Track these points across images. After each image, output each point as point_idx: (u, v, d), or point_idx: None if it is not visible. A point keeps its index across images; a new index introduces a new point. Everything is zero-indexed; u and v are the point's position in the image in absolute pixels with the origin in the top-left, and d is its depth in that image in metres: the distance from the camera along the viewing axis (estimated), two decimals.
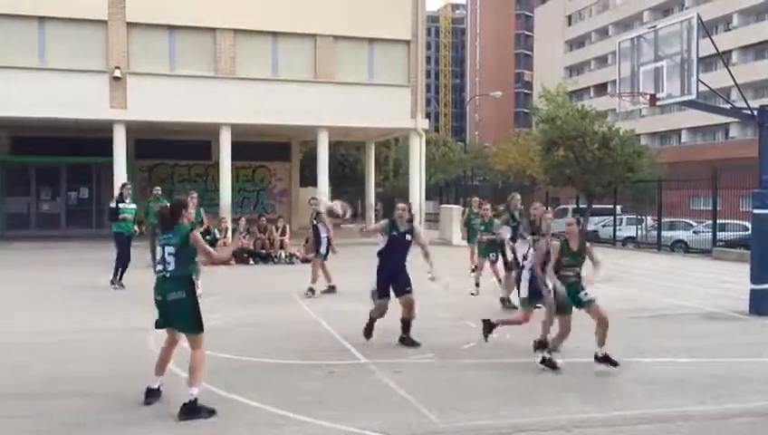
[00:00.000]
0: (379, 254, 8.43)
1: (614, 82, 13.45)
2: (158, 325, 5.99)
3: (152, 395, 5.88)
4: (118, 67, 23.07)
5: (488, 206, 13.45)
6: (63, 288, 13.19)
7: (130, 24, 23.37)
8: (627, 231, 27.56)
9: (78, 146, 26.33)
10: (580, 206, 28.81)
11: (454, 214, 26.56)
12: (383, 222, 8.59)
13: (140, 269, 15.86)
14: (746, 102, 11.88)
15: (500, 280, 11.99)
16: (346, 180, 37.86)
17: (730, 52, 56.64)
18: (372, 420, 5.46)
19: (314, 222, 12.78)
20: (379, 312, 8.22)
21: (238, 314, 10.34)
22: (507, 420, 5.48)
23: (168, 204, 6.43)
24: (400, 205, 8.39)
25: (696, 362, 7.51)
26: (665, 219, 25.34)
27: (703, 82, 10.81)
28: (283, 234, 19.13)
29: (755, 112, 11.10)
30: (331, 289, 12.43)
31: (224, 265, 15.62)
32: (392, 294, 8.24)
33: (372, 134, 30.32)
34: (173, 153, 29.12)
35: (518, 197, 11.31)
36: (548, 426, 5.38)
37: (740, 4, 59.77)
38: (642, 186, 27.45)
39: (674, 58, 11.05)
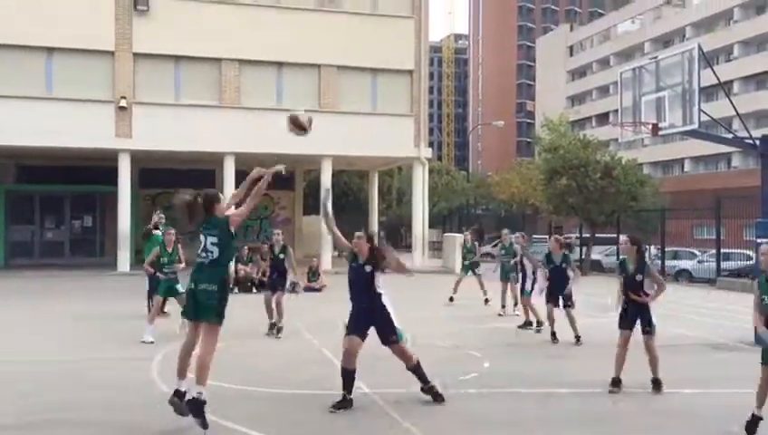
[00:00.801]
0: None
1: (616, 111, 13.53)
2: (185, 314, 6.21)
3: (178, 395, 5.93)
4: (123, 97, 23.30)
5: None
6: (66, 317, 13.15)
7: (137, 55, 23.65)
8: None
9: (82, 175, 26.48)
10: (584, 235, 28.78)
11: (457, 242, 26.53)
12: (348, 248, 7.20)
13: (140, 299, 15.84)
14: (748, 132, 11.94)
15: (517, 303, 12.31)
16: (349, 209, 37.91)
17: (731, 82, 57.01)
18: None
19: (281, 255, 11.48)
20: (345, 356, 6.72)
21: (239, 342, 10.29)
22: None
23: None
24: (357, 233, 6.92)
25: (703, 394, 7.44)
26: (668, 248, 25.29)
27: (705, 112, 10.88)
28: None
29: (758, 142, 11.15)
30: (274, 328, 11.16)
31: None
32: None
33: (376, 163, 30.45)
34: (177, 182, 28.99)
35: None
36: None
37: (740, 35, 60.32)
38: (645, 215, 27.43)
39: (675, 88, 11.14)
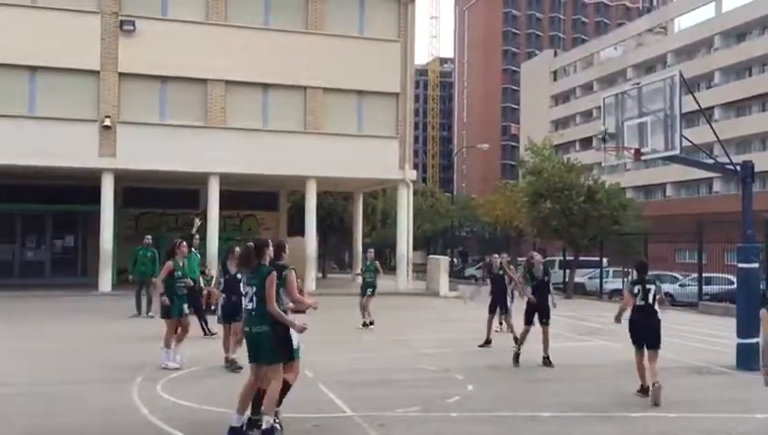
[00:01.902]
0: None
1: (599, 136, 13.66)
2: (250, 359, 6.31)
3: (235, 433, 6.07)
4: (108, 116, 23.21)
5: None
6: (45, 338, 12.97)
7: (122, 75, 23.61)
8: (613, 284, 27.62)
9: (64, 194, 26.25)
10: (567, 258, 28.90)
11: (441, 265, 26.55)
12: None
13: (121, 320, 15.71)
14: (729, 158, 12.10)
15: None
16: (334, 230, 37.84)
17: (712, 108, 57.86)
18: None
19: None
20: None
21: (222, 363, 10.19)
22: None
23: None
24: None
25: (686, 417, 7.45)
26: (651, 272, 25.42)
27: (686, 138, 11.01)
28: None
29: (738, 168, 11.29)
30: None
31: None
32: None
33: (360, 184, 30.49)
34: (161, 202, 29.08)
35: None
36: None
37: (721, 62, 61.34)
38: (628, 239, 27.63)
39: (657, 114, 11.26)
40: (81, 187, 25.03)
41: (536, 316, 10.69)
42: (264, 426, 5.92)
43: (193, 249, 13.10)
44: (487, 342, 12.26)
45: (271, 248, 6.43)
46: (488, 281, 13.33)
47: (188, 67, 23.91)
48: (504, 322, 13.12)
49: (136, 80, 23.75)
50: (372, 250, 16.44)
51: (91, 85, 23.42)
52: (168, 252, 10.37)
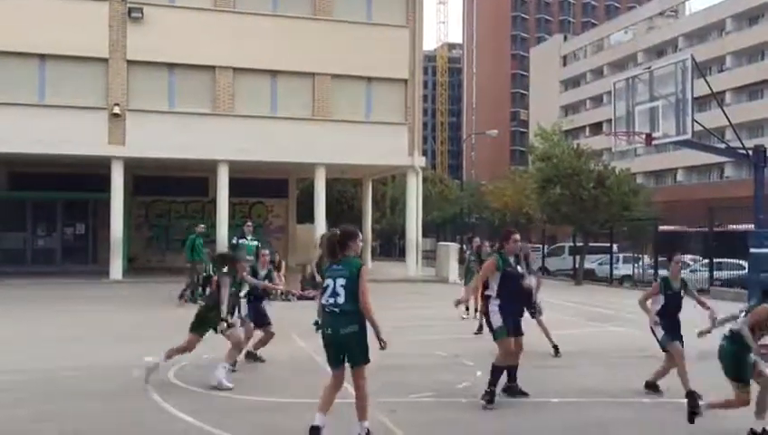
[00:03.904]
0: None
1: (609, 121, 13.58)
2: (332, 365, 5.69)
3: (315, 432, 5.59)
4: (117, 104, 23.25)
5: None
6: (58, 325, 13.07)
7: (130, 62, 23.62)
8: (624, 269, 27.54)
9: (75, 182, 26.38)
10: (577, 244, 28.81)
11: (450, 251, 26.53)
12: None
13: (133, 307, 15.83)
14: (741, 142, 12.01)
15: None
16: (343, 217, 37.84)
17: (724, 92, 57.36)
18: None
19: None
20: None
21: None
22: None
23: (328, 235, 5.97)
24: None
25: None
26: (661, 258, 25.34)
27: (698, 122, 10.94)
28: (278, 269, 19.00)
29: (750, 152, 11.20)
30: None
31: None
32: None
33: (369, 171, 30.46)
34: (170, 190, 29.17)
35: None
36: None
37: (733, 45, 60.75)
38: (638, 224, 27.49)
39: (669, 98, 11.19)
40: (91, 175, 25.14)
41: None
42: (361, 432, 5.62)
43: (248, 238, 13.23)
44: (480, 328, 12.11)
45: (360, 239, 5.80)
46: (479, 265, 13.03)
47: (196, 54, 23.89)
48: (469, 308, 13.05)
49: (144, 67, 23.76)
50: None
51: (99, 73, 23.45)
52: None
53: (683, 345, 7.58)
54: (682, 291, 7.68)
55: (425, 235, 32.37)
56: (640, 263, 26.68)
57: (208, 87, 24.41)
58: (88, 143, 22.74)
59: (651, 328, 7.66)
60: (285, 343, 11.19)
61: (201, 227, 17.29)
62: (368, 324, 5.53)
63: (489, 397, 7.03)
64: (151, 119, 23.49)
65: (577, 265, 27.55)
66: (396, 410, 6.88)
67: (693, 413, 6.27)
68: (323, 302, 5.59)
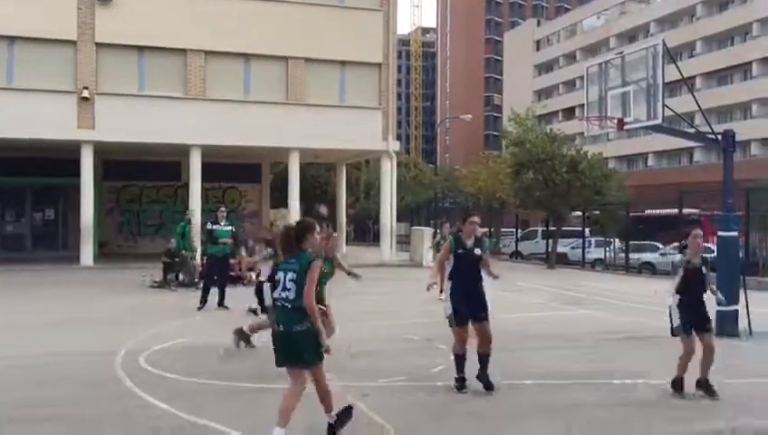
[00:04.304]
0: None
1: (582, 106, 13.65)
2: (279, 363, 5.36)
3: None
4: (86, 87, 22.86)
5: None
6: (26, 311, 12.88)
7: (99, 45, 23.21)
8: (595, 253, 27.87)
9: (44, 167, 25.92)
10: (550, 228, 29.07)
11: (425, 236, 26.61)
12: None
13: (105, 293, 15.67)
14: (710, 127, 12.15)
15: None
16: (316, 202, 37.77)
17: (694, 77, 58.00)
18: None
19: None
20: None
21: (208, 337, 10.20)
22: None
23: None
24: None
25: (666, 384, 7.56)
26: (632, 242, 25.70)
27: (668, 107, 11.03)
28: (252, 255, 18.94)
29: (719, 137, 11.34)
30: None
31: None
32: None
33: (343, 156, 30.37)
34: (141, 174, 28.83)
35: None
36: None
37: (703, 31, 61.40)
38: (610, 208, 27.80)
39: (640, 83, 11.26)
40: (60, 159, 24.71)
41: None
42: (331, 420, 5.48)
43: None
44: None
45: (317, 232, 5.46)
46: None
47: (167, 37, 23.55)
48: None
49: (113, 50, 23.37)
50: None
51: (68, 56, 23.02)
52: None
53: (705, 328, 7.06)
54: (704, 268, 7.22)
55: (399, 219, 32.40)
56: (612, 247, 27.01)
57: (180, 70, 24.08)
58: (57, 127, 22.35)
59: (669, 310, 7.19)
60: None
61: (189, 213, 17.02)
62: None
63: (458, 383, 7.04)
64: (121, 102, 23.14)
65: (550, 250, 27.80)
66: (368, 394, 6.90)
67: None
68: (274, 296, 5.36)
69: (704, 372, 7.05)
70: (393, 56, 27.00)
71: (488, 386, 7.02)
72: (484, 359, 7.09)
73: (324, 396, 5.44)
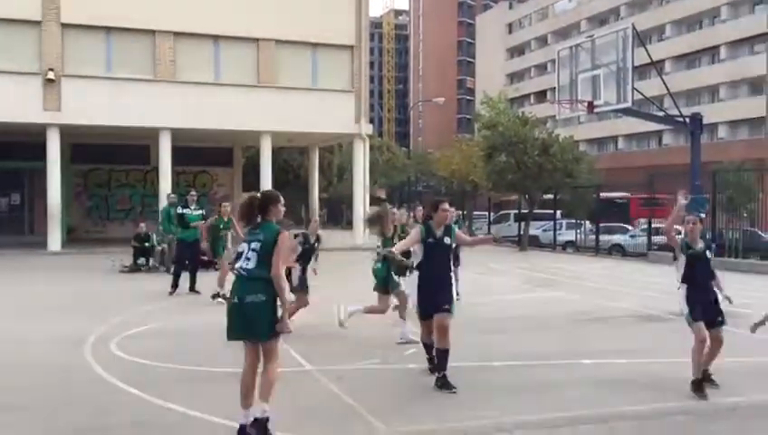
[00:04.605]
0: None
1: (554, 89, 13.74)
2: (229, 336, 5.15)
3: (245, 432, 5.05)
4: (51, 69, 22.39)
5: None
6: None
7: (65, 26, 22.73)
8: (567, 235, 28.15)
9: (9, 150, 25.40)
10: (522, 211, 29.28)
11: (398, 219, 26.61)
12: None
13: (72, 278, 15.47)
14: (679, 110, 12.32)
15: None
16: (290, 186, 37.56)
17: (663, 61, 58.57)
18: (317, 427, 5.40)
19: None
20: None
21: (179, 322, 10.13)
22: (451, 425, 5.49)
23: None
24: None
25: (634, 363, 7.69)
26: (602, 224, 26.01)
27: (638, 91, 11.15)
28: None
29: (687, 120, 11.49)
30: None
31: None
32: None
33: (316, 139, 30.21)
34: (110, 158, 28.41)
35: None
36: (491, 428, 5.42)
37: (673, 14, 61.93)
38: (581, 191, 28.08)
39: (610, 66, 11.37)
40: (26, 143, 24.25)
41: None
42: (259, 414, 5.04)
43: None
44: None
45: (281, 203, 5.26)
46: None
47: (134, 18, 23.13)
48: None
49: (79, 31, 22.92)
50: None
51: (32, 37, 22.52)
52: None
53: (715, 320, 6.52)
54: (708, 252, 6.69)
55: (372, 203, 32.41)
56: (582, 229, 27.31)
57: (148, 52, 23.69)
58: (22, 110, 21.90)
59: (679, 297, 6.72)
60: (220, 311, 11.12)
61: (172, 197, 16.57)
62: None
63: (430, 365, 6.95)
64: (88, 85, 22.72)
65: (522, 232, 28.02)
66: (342, 377, 6.91)
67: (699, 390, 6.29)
68: (236, 267, 5.16)
69: (705, 362, 6.57)
70: (365, 39, 26.85)
71: (448, 386, 6.43)
72: (442, 356, 6.54)
73: (267, 383, 5.06)
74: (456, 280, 12.13)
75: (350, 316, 8.86)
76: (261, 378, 5.10)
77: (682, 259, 6.65)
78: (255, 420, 5.02)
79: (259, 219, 5.19)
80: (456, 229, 7.06)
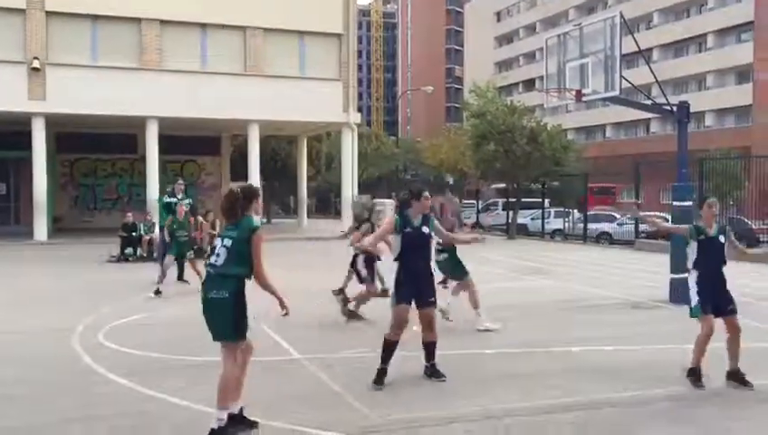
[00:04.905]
0: None
1: (542, 77, 13.73)
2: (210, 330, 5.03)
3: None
4: (36, 58, 22.17)
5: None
6: None
7: (50, 13, 22.50)
8: (555, 224, 28.29)
9: None
10: (510, 199, 29.36)
11: (386, 209, 26.62)
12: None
13: (59, 268, 15.39)
14: (666, 99, 12.34)
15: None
16: (278, 175, 37.47)
17: (651, 49, 58.69)
18: (305, 415, 5.41)
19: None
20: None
21: (168, 311, 10.10)
22: (440, 412, 5.52)
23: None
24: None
25: (621, 350, 7.75)
26: (590, 212, 26.14)
27: (625, 79, 11.15)
28: (212, 228, 18.75)
29: (674, 108, 11.53)
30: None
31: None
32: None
33: (304, 128, 30.11)
34: (96, 147, 28.21)
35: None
36: (480, 415, 5.45)
37: (660, 3, 61.99)
38: (569, 179, 28.20)
39: (598, 55, 11.35)
40: (11, 132, 24.03)
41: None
42: (215, 425, 4.78)
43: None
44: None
45: (260, 199, 5.12)
46: None
47: (120, 5, 22.94)
48: None
49: (64, 19, 22.69)
50: None
51: (16, 25, 22.27)
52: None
53: (727, 309, 6.21)
54: (722, 237, 6.36)
55: (361, 192, 32.39)
56: (570, 217, 27.44)
57: (134, 40, 23.49)
58: (6, 99, 21.69)
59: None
60: None
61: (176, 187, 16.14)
62: (268, 296, 4.98)
63: (376, 376, 6.19)
64: (73, 73, 22.51)
65: (510, 221, 28.10)
66: (331, 365, 6.92)
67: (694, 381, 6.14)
68: (208, 262, 5.07)
69: (733, 361, 6.20)
70: (353, 27, 26.75)
71: (438, 375, 6.43)
72: (430, 347, 6.50)
73: (222, 386, 4.85)
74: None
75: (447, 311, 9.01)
76: (219, 382, 4.91)
77: (693, 245, 6.37)
78: (212, 431, 4.79)
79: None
80: (435, 221, 6.67)
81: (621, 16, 11.29)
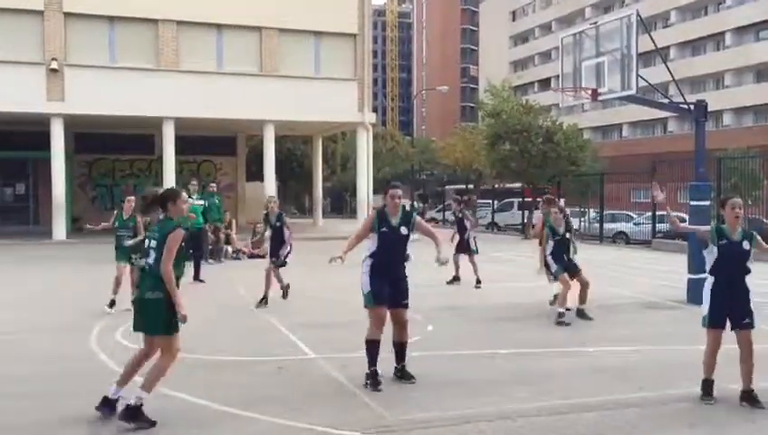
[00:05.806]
0: None
1: (557, 77, 13.68)
2: (134, 327, 5.44)
3: (106, 404, 5.29)
4: (55, 59, 22.39)
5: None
6: (0, 286, 12.73)
7: (68, 15, 22.72)
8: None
9: (13, 140, 25.47)
10: (525, 199, 29.27)
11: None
12: None
13: (78, 268, 15.53)
14: (683, 97, 12.25)
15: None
16: (293, 175, 37.64)
17: (668, 48, 58.30)
18: (321, 415, 5.43)
19: (277, 223, 10.52)
20: None
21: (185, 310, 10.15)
22: (454, 412, 5.52)
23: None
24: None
25: (637, 351, 7.71)
26: (606, 212, 25.98)
27: (642, 78, 11.08)
28: (228, 228, 18.88)
29: (692, 107, 11.44)
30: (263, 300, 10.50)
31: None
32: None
33: (319, 128, 30.18)
34: (114, 147, 28.44)
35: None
36: (494, 416, 5.44)
37: (677, 1, 61.52)
38: (585, 179, 28.05)
39: (614, 54, 11.29)
40: (30, 133, 24.29)
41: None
42: (132, 401, 5.06)
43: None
44: (455, 278, 12.98)
45: (182, 200, 5.34)
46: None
47: (137, 6, 23.11)
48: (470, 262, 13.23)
49: (82, 20, 22.90)
50: None
51: (35, 26, 22.50)
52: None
53: (741, 322, 5.68)
54: (746, 243, 5.75)
55: (376, 192, 32.40)
56: (586, 217, 27.28)
57: (151, 41, 23.67)
58: (26, 100, 21.92)
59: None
60: (236, 301, 11.16)
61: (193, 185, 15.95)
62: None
63: (369, 379, 6.12)
64: (91, 74, 22.72)
65: (525, 220, 28.00)
66: (347, 364, 6.94)
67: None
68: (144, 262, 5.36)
69: (745, 379, 5.69)
70: (368, 27, 26.76)
71: (407, 377, 6.35)
72: (400, 348, 6.44)
73: (152, 375, 5.17)
74: (476, 269, 12.42)
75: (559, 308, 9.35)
76: (151, 367, 5.25)
77: (713, 251, 5.80)
78: (127, 406, 5.06)
79: (162, 216, 5.36)
80: (417, 218, 6.52)
81: (638, 15, 11.23)
